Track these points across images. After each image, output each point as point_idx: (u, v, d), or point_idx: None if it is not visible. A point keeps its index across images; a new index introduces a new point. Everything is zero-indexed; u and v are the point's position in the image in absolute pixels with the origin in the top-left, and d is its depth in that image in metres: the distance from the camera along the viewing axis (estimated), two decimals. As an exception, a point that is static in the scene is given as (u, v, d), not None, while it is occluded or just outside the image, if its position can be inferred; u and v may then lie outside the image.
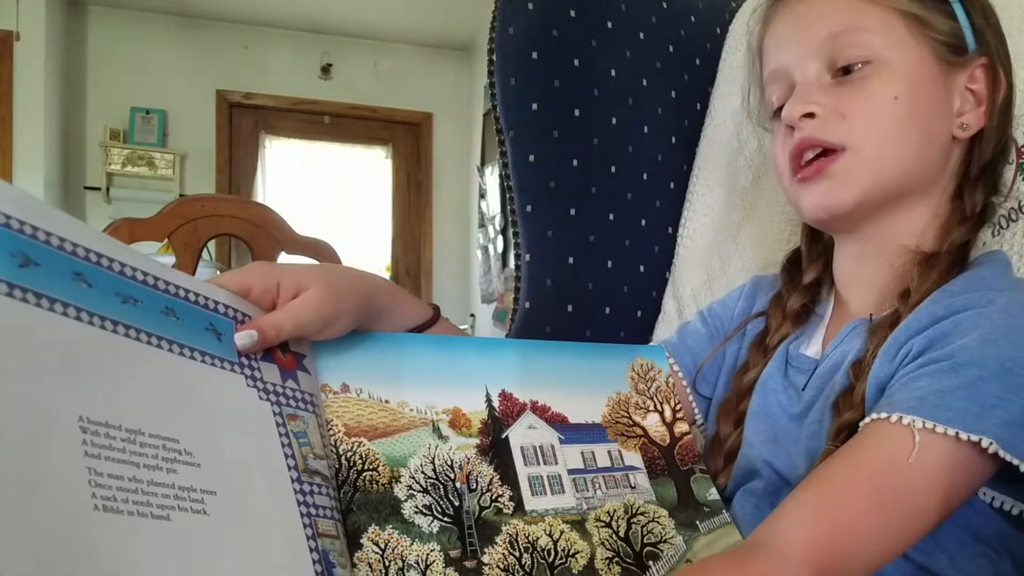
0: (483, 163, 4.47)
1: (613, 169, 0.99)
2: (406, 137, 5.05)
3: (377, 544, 0.51)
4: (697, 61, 1.07)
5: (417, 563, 0.51)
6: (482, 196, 4.40)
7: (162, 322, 0.46)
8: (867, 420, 0.52)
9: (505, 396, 0.63)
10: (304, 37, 4.78)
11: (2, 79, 3.92)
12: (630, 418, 0.67)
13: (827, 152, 0.62)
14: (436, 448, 0.57)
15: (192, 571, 0.39)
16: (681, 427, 0.69)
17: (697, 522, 0.63)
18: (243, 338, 0.50)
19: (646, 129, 1.02)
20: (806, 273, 0.72)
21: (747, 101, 0.75)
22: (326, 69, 4.81)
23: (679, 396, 0.73)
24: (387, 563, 0.50)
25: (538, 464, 0.61)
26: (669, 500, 0.64)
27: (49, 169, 4.06)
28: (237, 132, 4.73)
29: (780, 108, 0.66)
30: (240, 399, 0.49)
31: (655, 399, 0.70)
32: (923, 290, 0.58)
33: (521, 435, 0.61)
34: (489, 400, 0.62)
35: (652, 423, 0.68)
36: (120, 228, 1.53)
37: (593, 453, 0.63)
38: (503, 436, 0.61)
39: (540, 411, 0.64)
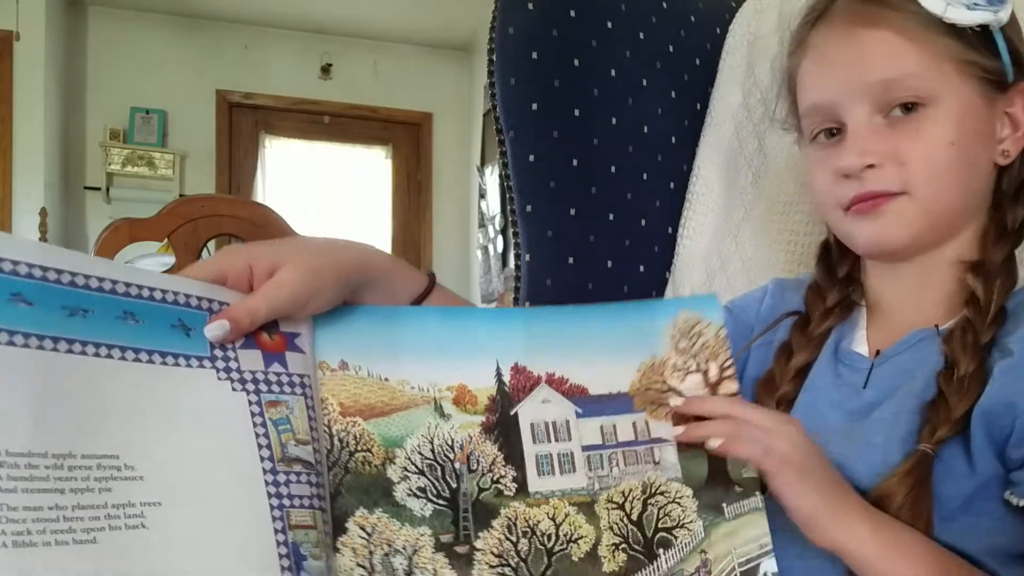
0: (483, 163, 4.47)
1: (613, 169, 0.99)
2: (406, 137, 5.05)
3: (364, 528, 0.49)
4: (697, 61, 1.07)
5: (404, 548, 0.49)
6: (482, 196, 4.40)
7: (117, 329, 0.45)
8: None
9: (518, 370, 0.57)
10: (304, 37, 4.77)
11: (2, 79, 3.92)
12: (665, 382, 0.59)
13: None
14: (436, 427, 0.54)
15: None
16: (728, 386, 0.59)
17: (724, 504, 0.56)
18: (213, 330, 0.49)
19: (646, 129, 1.02)
20: (839, 266, 0.72)
21: (772, 112, 0.76)
22: (326, 69, 4.81)
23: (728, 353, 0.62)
24: (372, 548, 0.49)
25: (548, 441, 0.56)
26: (697, 477, 0.57)
27: (49, 169, 4.06)
28: (237, 132, 4.73)
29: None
30: (206, 395, 0.47)
31: (699, 357, 0.59)
32: (993, 300, 0.60)
33: (532, 410, 0.56)
34: (499, 374, 0.57)
35: (692, 385, 0.58)
36: (120, 228, 1.53)
37: (614, 426, 0.57)
38: (512, 413, 0.56)
39: (556, 384, 0.57)
